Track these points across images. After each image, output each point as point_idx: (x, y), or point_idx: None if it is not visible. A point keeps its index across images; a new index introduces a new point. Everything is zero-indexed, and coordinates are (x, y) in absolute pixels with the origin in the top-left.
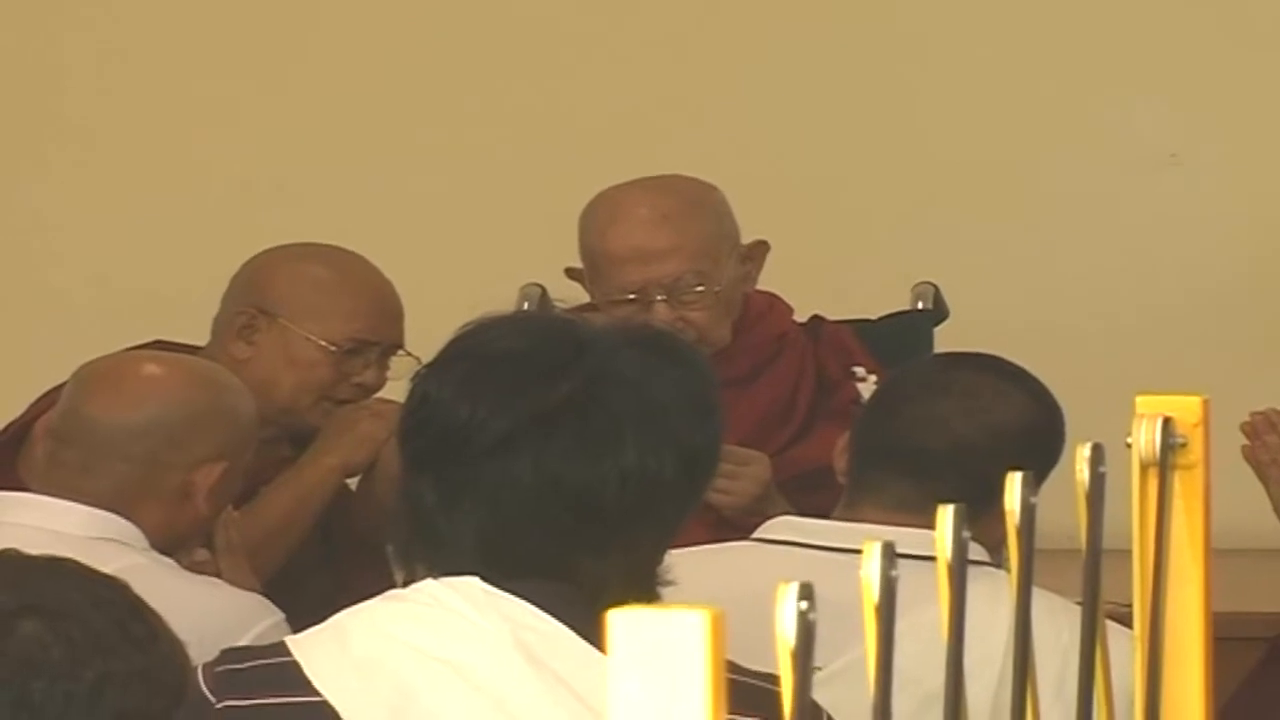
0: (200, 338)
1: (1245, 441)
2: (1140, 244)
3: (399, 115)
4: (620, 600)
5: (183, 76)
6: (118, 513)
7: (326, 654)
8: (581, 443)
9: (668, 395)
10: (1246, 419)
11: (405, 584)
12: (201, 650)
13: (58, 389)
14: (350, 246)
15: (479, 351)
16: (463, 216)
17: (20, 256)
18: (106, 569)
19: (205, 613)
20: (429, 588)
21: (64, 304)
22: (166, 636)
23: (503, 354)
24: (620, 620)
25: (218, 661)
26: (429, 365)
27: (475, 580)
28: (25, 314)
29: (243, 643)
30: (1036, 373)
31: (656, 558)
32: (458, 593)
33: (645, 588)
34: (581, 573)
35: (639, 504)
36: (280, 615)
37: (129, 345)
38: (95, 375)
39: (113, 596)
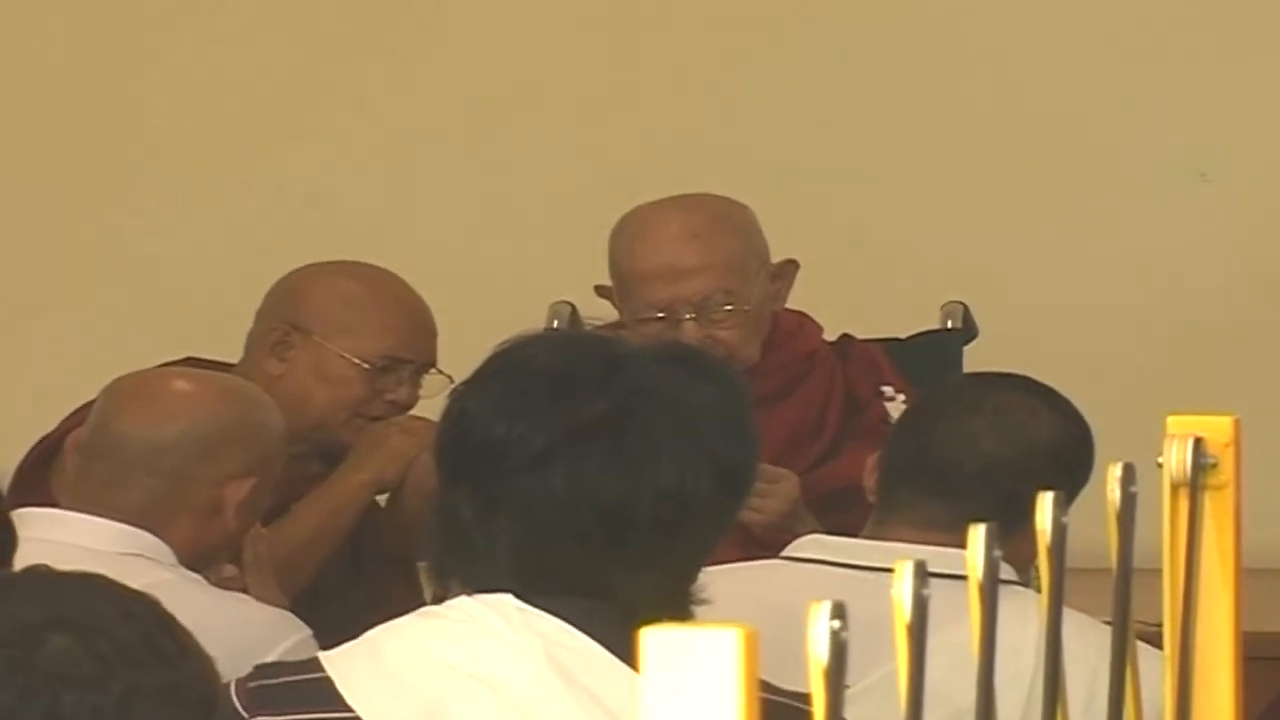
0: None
1: None
2: (1171, 263)
3: (428, 134)
4: (654, 618)
5: (221, 94)
6: (146, 528)
7: (360, 670)
8: (617, 459)
9: (704, 412)
10: None
11: (437, 599)
12: (229, 665)
13: (88, 405)
14: (381, 265)
15: (517, 368)
16: (493, 234)
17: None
18: (134, 585)
19: (232, 628)
20: (463, 604)
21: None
22: (196, 652)
23: (540, 370)
24: (653, 638)
25: (250, 677)
26: (467, 381)
27: (509, 597)
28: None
29: (270, 658)
30: (1067, 392)
31: (691, 575)
32: (492, 609)
33: (679, 605)
34: (615, 590)
35: (674, 521)
36: (307, 631)
37: (168, 360)
38: (125, 391)
39: (143, 611)
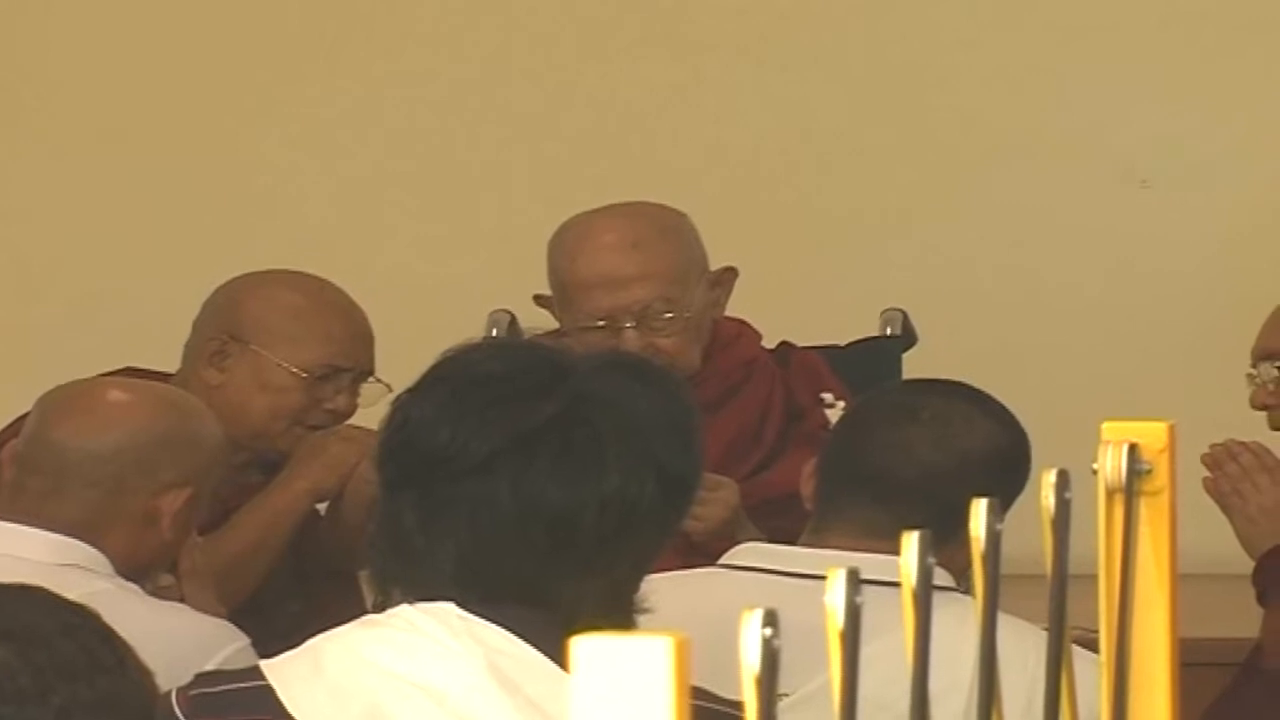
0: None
1: (1207, 474)
2: (1108, 269)
3: (368, 141)
4: (595, 626)
5: (153, 90)
6: (83, 539)
7: (301, 678)
8: (562, 466)
9: (649, 420)
10: (1206, 450)
11: (378, 607)
12: (167, 675)
13: (23, 417)
14: (318, 273)
15: (460, 374)
16: (431, 243)
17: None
18: (71, 595)
19: (170, 638)
20: (404, 613)
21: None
22: (134, 664)
23: (485, 377)
24: (584, 647)
25: (191, 685)
26: (410, 389)
27: (450, 606)
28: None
29: (209, 668)
30: (1004, 399)
31: (633, 584)
32: (433, 618)
33: (622, 614)
34: (558, 598)
35: (618, 529)
36: (246, 640)
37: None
38: (60, 401)
39: (81, 623)
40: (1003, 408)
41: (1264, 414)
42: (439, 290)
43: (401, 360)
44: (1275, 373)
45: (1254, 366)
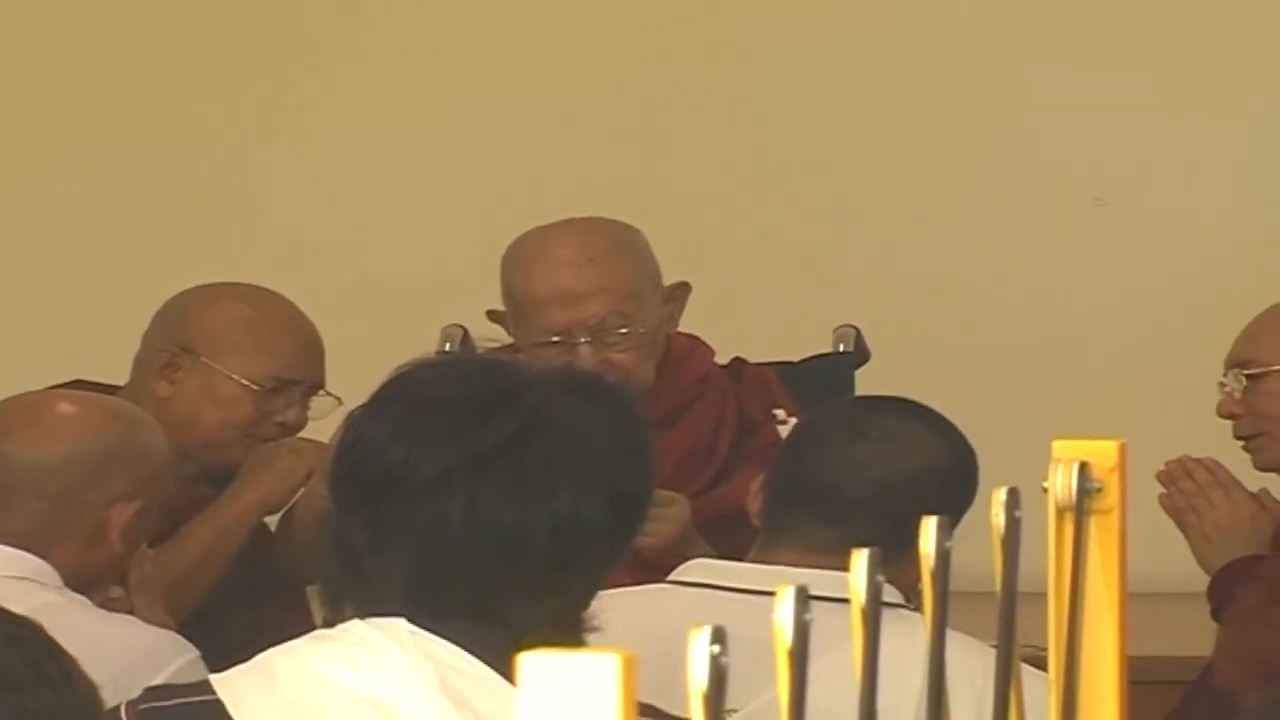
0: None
1: (1162, 490)
2: (1060, 288)
3: (324, 158)
4: (545, 643)
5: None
6: (32, 551)
7: (252, 692)
8: (515, 486)
9: (602, 440)
10: (1162, 468)
11: (330, 623)
12: (116, 688)
13: None
14: (270, 286)
15: (414, 392)
16: (383, 257)
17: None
18: (19, 608)
19: (119, 650)
20: (355, 628)
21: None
22: (80, 677)
23: (438, 396)
24: (532, 662)
25: (141, 699)
26: (363, 406)
27: (401, 621)
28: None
29: (159, 680)
30: (956, 416)
31: (584, 602)
32: (384, 633)
33: (571, 632)
34: (509, 615)
35: (570, 548)
36: (195, 653)
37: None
38: (9, 414)
39: (26, 636)
40: (950, 424)
41: (1219, 434)
42: (392, 304)
43: (353, 375)
44: (1243, 381)
45: (1225, 374)
